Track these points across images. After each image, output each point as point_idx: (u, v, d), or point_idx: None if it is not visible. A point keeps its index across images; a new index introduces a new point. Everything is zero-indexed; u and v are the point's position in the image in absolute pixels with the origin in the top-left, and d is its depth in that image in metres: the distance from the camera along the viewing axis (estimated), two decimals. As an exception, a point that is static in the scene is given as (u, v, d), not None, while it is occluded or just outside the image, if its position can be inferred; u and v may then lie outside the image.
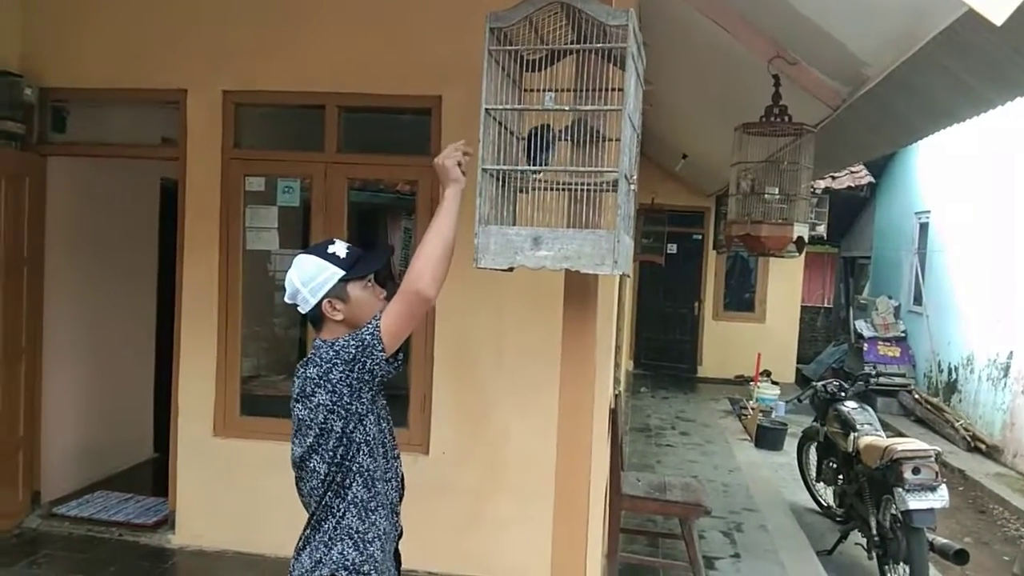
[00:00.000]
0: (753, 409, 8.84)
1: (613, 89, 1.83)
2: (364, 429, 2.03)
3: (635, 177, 1.94)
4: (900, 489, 4.52)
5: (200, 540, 4.73)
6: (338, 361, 1.97)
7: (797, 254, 9.44)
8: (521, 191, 1.97)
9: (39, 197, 4.93)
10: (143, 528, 4.90)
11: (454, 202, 1.97)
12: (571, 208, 1.89)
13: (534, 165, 1.87)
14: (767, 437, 8.16)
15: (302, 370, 2.06)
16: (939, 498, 4.51)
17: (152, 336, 6.06)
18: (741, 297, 12.37)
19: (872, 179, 10.87)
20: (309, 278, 2.09)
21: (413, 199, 4.71)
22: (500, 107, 1.83)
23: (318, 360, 2.01)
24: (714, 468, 7.16)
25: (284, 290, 2.15)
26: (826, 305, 16.52)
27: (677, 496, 4.43)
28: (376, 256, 2.22)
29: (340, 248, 2.13)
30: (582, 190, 1.85)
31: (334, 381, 1.97)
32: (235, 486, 4.67)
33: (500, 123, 1.87)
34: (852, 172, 10.62)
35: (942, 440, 9.26)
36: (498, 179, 1.89)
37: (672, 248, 11.73)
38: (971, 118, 3.90)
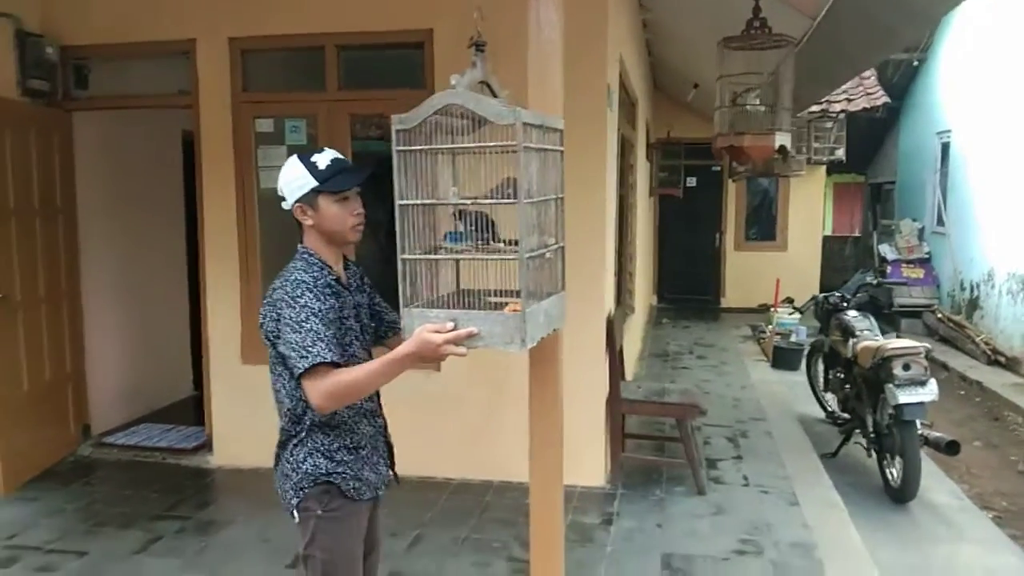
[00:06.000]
0: (772, 333, 8.98)
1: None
2: None
3: (556, 245, 2.11)
4: (891, 385, 4.71)
5: (236, 460, 5.10)
6: (282, 315, 2.13)
7: (802, 172, 9.54)
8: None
9: (67, 150, 5.26)
10: (184, 452, 5.31)
11: (401, 366, 2.01)
12: (525, 274, 1.96)
13: (480, 243, 2.00)
14: (784, 358, 8.31)
15: (275, 282, 2.22)
16: (929, 392, 4.69)
17: (184, 278, 6.41)
18: (762, 227, 12.41)
19: (888, 99, 10.75)
20: (288, 180, 2.21)
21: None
22: (412, 202, 1.96)
23: (282, 293, 2.16)
24: (727, 386, 7.38)
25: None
26: (855, 235, 16.44)
27: (674, 398, 4.68)
28: (351, 175, 2.24)
29: (323, 159, 2.20)
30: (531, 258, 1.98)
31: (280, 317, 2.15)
32: (264, 407, 5.00)
33: (421, 207, 1.99)
34: (867, 93, 10.50)
35: (964, 356, 9.34)
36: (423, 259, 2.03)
37: (692, 181, 11.80)
38: (946, 14, 3.99)
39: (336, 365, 2.10)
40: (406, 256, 1.97)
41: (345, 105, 4.83)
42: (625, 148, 6.81)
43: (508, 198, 1.88)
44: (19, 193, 4.79)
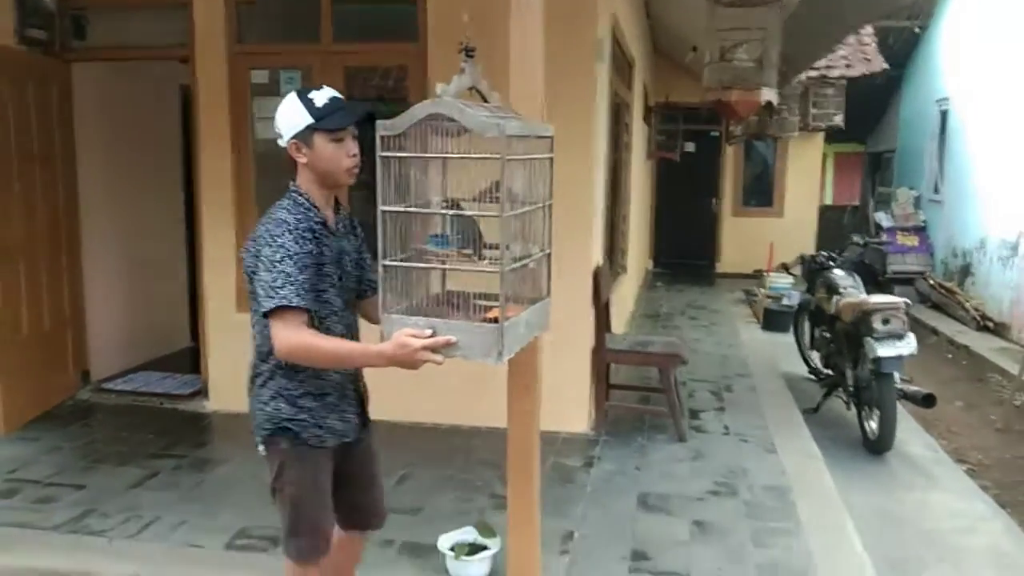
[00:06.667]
0: (763, 296, 9.07)
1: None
2: None
3: (540, 253, 2.16)
4: (870, 338, 4.82)
5: (231, 405, 5.16)
6: (261, 252, 2.16)
7: (795, 134, 9.56)
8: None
9: (66, 100, 5.33)
10: (181, 397, 5.45)
11: (372, 361, 2.09)
12: (505, 287, 1.98)
13: (469, 251, 2.04)
14: (775, 320, 8.41)
15: (262, 218, 2.24)
16: (906, 345, 4.80)
17: (183, 231, 6.51)
18: (759, 193, 12.46)
19: (887, 65, 10.74)
20: (285, 116, 2.20)
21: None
22: (394, 209, 1.99)
23: (264, 230, 2.18)
24: (716, 344, 7.50)
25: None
26: (854, 204, 16.49)
27: (657, 349, 4.80)
28: (348, 114, 2.21)
29: (321, 97, 2.18)
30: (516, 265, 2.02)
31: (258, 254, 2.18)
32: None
33: (402, 214, 2.02)
34: (866, 59, 10.50)
35: (954, 322, 9.44)
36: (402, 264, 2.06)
37: (691, 146, 11.82)
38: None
39: (306, 311, 2.14)
40: (387, 262, 2.00)
41: (340, 57, 4.89)
42: (620, 108, 6.85)
43: (494, 202, 1.89)
44: (18, 142, 4.87)
